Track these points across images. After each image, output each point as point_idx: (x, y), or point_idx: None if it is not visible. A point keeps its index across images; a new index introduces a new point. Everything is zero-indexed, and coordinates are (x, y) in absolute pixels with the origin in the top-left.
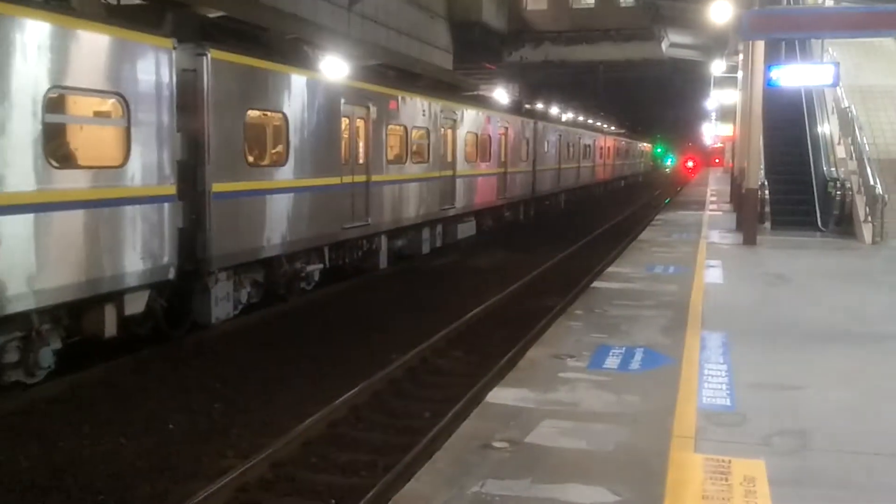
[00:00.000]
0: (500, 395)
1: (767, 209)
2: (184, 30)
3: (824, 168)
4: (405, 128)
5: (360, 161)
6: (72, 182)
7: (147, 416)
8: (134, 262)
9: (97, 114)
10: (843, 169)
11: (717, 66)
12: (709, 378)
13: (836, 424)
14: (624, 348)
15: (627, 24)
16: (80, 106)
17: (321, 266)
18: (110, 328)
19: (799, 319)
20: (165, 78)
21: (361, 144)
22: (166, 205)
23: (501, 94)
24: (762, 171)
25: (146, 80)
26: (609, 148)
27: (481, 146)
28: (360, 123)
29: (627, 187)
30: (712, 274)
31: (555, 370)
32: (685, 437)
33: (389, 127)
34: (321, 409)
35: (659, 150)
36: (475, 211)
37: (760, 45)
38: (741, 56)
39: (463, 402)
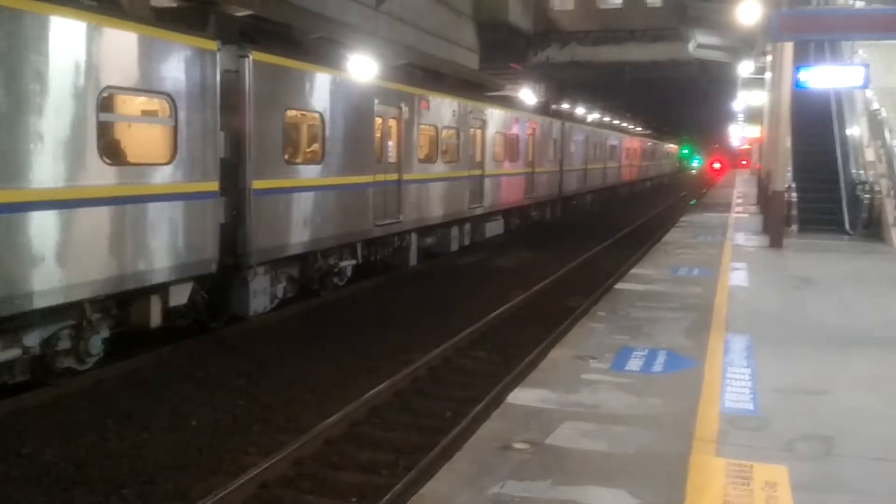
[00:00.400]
0: (522, 396)
1: (794, 212)
2: (226, 32)
3: (853, 171)
4: (436, 128)
5: (392, 160)
6: (123, 178)
7: (170, 411)
8: (179, 256)
9: (146, 113)
10: (872, 172)
11: (745, 68)
12: (732, 381)
13: (861, 430)
14: (647, 350)
15: (654, 24)
16: (131, 105)
17: (354, 262)
18: (156, 319)
19: (825, 324)
20: (210, 79)
21: (393, 143)
22: (209, 201)
23: (529, 95)
24: (789, 174)
25: (192, 80)
26: (635, 149)
27: (509, 146)
28: (392, 123)
29: (653, 188)
30: (737, 276)
31: (577, 371)
32: (707, 440)
33: (420, 127)
34: (343, 407)
35: (685, 151)
36: (503, 210)
37: (789, 47)
38: (769, 57)
39: (484, 403)
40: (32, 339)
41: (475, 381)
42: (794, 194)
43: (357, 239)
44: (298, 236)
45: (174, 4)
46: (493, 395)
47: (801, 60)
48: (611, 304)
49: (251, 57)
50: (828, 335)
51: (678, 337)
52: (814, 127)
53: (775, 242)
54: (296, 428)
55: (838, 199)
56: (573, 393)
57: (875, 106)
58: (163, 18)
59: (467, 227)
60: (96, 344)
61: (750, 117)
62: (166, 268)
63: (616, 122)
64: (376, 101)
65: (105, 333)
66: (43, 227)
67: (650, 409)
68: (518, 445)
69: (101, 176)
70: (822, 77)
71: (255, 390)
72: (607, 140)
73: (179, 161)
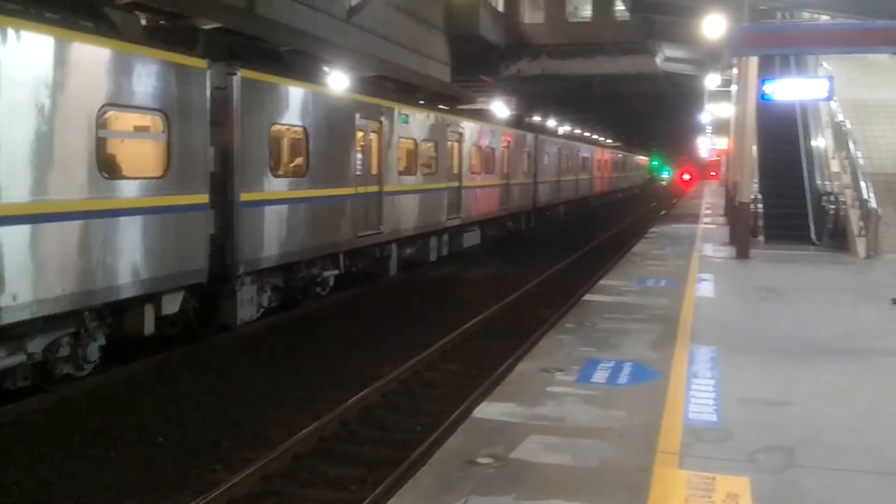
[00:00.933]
0: (488, 410)
1: (761, 223)
2: (214, 50)
3: (818, 182)
4: (414, 141)
5: (373, 172)
6: (120, 192)
7: (137, 428)
8: (172, 266)
9: (141, 129)
10: (837, 183)
11: (712, 80)
12: (696, 393)
13: (823, 441)
14: (613, 362)
15: (623, 38)
16: (127, 122)
17: (337, 272)
18: (149, 327)
19: (790, 334)
20: (200, 96)
21: (374, 156)
22: (200, 213)
23: (503, 108)
24: (756, 185)
25: (184, 97)
26: (606, 161)
27: (485, 158)
28: (373, 136)
29: (624, 199)
30: (704, 288)
31: (543, 384)
32: (670, 452)
33: (400, 140)
34: (313, 422)
35: (655, 162)
36: (480, 221)
37: (754, 60)
38: (735, 70)
39: (453, 418)
40: (36, 346)
41: (446, 394)
42: (760, 205)
43: (340, 249)
44: (284, 247)
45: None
46: (462, 409)
47: (766, 73)
48: (579, 315)
49: (239, 74)
50: (792, 346)
51: (644, 348)
52: (780, 138)
53: (742, 253)
54: (264, 444)
55: (804, 209)
56: (539, 406)
57: (840, 118)
58: (153, 37)
59: (445, 237)
60: (93, 351)
61: (717, 129)
62: (160, 277)
63: (587, 134)
64: (358, 115)
65: (101, 341)
66: (54, 238)
67: (615, 422)
68: (483, 460)
69: (98, 189)
70: (787, 89)
71: (223, 406)
72: (579, 152)
73: (172, 175)
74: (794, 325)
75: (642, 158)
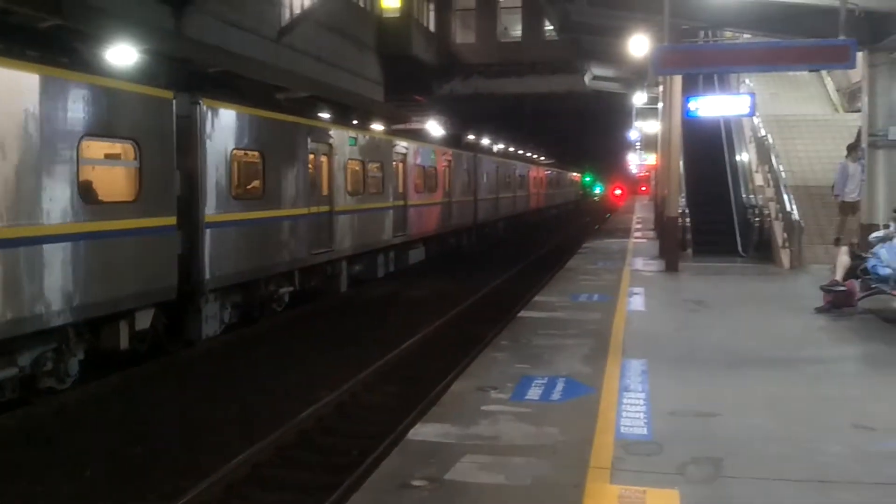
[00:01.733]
0: (422, 432)
1: (689, 236)
2: (178, 82)
3: (743, 195)
4: (362, 162)
5: (325, 193)
6: (99, 215)
7: (67, 460)
8: (146, 284)
9: (114, 156)
10: (761, 196)
11: (639, 98)
12: (627, 407)
13: (751, 451)
14: (546, 378)
15: (552, 57)
16: (102, 150)
17: (291, 289)
18: (124, 342)
19: (717, 345)
20: (167, 124)
21: (325, 178)
22: (169, 234)
23: (444, 129)
24: (683, 199)
25: (153, 127)
26: (541, 178)
27: (428, 178)
28: (323, 159)
29: (560, 215)
30: (635, 301)
31: (478, 403)
32: (602, 467)
33: (349, 162)
34: (247, 448)
35: (588, 179)
36: (424, 238)
37: (678, 78)
38: (661, 88)
39: (390, 439)
40: (25, 360)
41: (383, 416)
42: (688, 219)
43: (295, 267)
44: (245, 265)
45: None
46: (398, 431)
47: (691, 90)
48: (514, 332)
49: (202, 104)
50: (720, 357)
51: (577, 364)
52: (706, 154)
53: (671, 266)
54: (197, 473)
55: (730, 222)
56: (473, 425)
57: (762, 132)
58: (119, 69)
59: (392, 254)
60: (73, 365)
61: (646, 145)
62: (134, 294)
63: (523, 152)
64: (309, 139)
65: (81, 356)
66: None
67: (548, 439)
68: (417, 482)
69: (80, 214)
70: (711, 106)
71: (155, 434)
72: (516, 170)
73: (143, 198)
74: (721, 337)
75: (576, 175)
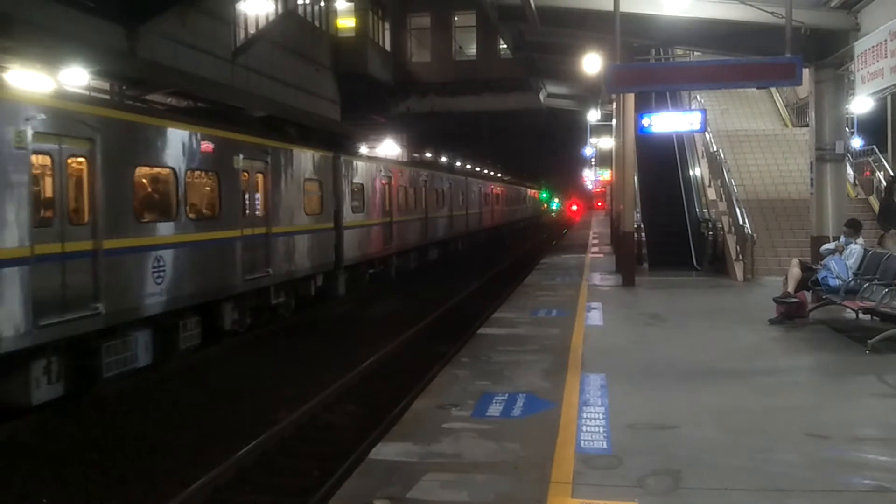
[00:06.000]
0: (384, 451)
1: (645, 251)
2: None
3: (697, 209)
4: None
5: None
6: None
7: (17, 492)
8: (323, 260)
9: (314, 187)
10: (714, 210)
11: (593, 115)
12: (587, 421)
13: (708, 462)
14: (507, 395)
15: (507, 75)
16: (314, 186)
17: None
18: (314, 290)
19: (674, 359)
20: (330, 169)
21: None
22: (331, 233)
23: (393, 145)
24: (638, 214)
25: (327, 171)
26: (497, 194)
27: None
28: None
29: (516, 231)
30: (593, 316)
31: (439, 421)
32: (563, 482)
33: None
34: (206, 472)
35: (544, 195)
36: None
37: (631, 95)
38: (614, 105)
39: (352, 460)
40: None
41: (344, 437)
42: (643, 234)
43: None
44: (361, 253)
45: None
46: (360, 451)
47: (644, 107)
48: (474, 349)
49: (341, 157)
50: (677, 370)
51: (537, 379)
52: (660, 169)
53: (627, 281)
54: (155, 499)
55: (685, 236)
56: (435, 443)
57: (714, 148)
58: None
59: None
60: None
61: (601, 161)
62: (319, 265)
63: (478, 169)
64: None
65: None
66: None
67: (509, 455)
68: (378, 502)
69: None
70: (663, 122)
71: (109, 462)
72: (470, 187)
73: (324, 211)
74: (678, 350)
75: (532, 191)
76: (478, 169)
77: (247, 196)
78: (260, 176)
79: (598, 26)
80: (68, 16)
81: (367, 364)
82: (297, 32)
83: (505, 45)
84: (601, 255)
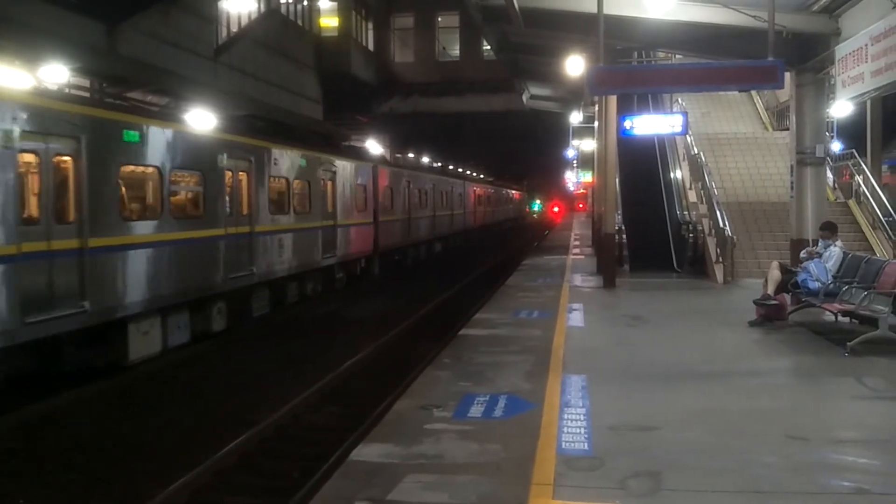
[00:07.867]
0: (365, 452)
1: (626, 252)
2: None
3: (678, 212)
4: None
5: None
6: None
7: None
8: (364, 247)
9: (360, 191)
10: (695, 212)
11: (575, 117)
12: (569, 422)
13: (689, 464)
14: (489, 396)
15: (491, 76)
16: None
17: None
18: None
19: (655, 360)
20: (370, 176)
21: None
22: (370, 226)
23: (376, 146)
24: (619, 216)
25: (370, 177)
26: (480, 195)
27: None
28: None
29: (499, 232)
30: (574, 317)
31: (421, 422)
32: (544, 483)
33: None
34: (187, 473)
35: (526, 196)
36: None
37: (613, 97)
38: (597, 107)
39: (332, 461)
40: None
41: (325, 437)
42: (624, 236)
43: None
44: (395, 241)
45: None
46: (340, 452)
47: (625, 109)
48: (456, 350)
49: (377, 166)
50: (658, 371)
51: (518, 380)
52: (641, 171)
53: (608, 283)
54: (135, 500)
55: (666, 238)
56: (416, 445)
57: (695, 150)
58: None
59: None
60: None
61: (583, 163)
62: (362, 251)
63: (461, 170)
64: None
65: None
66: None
67: (491, 456)
68: None
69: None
70: (645, 125)
71: (90, 463)
72: (453, 188)
73: (369, 209)
74: (659, 351)
75: (515, 192)
76: (461, 170)
77: (326, 196)
78: (329, 183)
79: (581, 28)
80: (47, 12)
81: (349, 364)
82: (280, 31)
83: (488, 47)
84: (582, 257)
